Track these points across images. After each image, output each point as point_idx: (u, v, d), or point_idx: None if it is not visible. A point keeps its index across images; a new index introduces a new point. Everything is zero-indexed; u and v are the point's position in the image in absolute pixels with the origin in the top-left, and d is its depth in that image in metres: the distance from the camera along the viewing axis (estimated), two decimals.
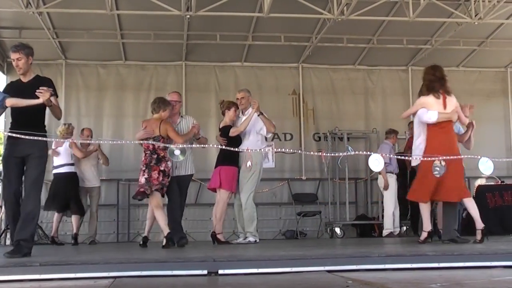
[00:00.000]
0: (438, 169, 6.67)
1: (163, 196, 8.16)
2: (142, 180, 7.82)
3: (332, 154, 6.16)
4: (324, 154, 6.17)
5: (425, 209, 7.53)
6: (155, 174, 7.80)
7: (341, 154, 6.11)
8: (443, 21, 11.29)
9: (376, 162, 5.84)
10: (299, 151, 12.17)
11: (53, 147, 10.21)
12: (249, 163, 8.67)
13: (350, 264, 4.64)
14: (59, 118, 6.66)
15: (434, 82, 7.45)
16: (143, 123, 8.38)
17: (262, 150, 9.02)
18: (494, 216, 11.21)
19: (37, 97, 5.99)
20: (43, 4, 9.92)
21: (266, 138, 9.29)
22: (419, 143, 7.54)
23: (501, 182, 12.52)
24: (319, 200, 12.72)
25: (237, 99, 9.14)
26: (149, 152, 7.90)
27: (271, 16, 9.99)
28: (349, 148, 6.23)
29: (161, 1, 9.57)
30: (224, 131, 8.97)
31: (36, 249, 8.51)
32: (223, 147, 7.79)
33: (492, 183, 12.30)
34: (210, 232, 9.13)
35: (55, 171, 10.53)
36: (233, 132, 8.83)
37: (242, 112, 9.13)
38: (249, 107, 8.96)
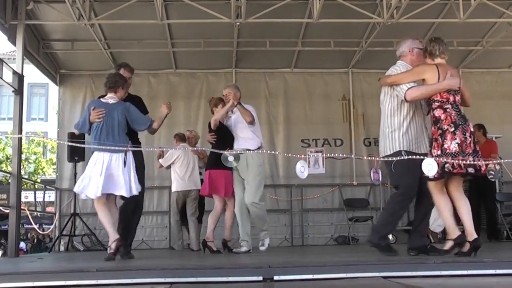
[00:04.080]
0: (493, 173, 6.45)
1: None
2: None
3: (385, 159, 6.08)
4: (377, 158, 6.08)
5: None
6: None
7: (394, 159, 6.02)
8: (494, 22, 11.09)
9: (430, 167, 5.73)
10: (350, 156, 12.09)
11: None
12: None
13: (406, 271, 4.59)
14: (152, 133, 7.54)
15: None
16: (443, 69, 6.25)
17: (257, 151, 8.14)
18: None
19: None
20: (94, 16, 10.05)
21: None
22: None
23: None
24: (371, 205, 12.61)
25: (223, 95, 8.51)
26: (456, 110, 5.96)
27: (320, 22, 9.94)
28: (403, 152, 6.13)
29: (211, 9, 9.63)
30: (211, 127, 8.43)
31: (92, 255, 8.72)
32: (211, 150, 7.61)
33: None
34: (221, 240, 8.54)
35: None
36: (213, 122, 8.30)
37: (231, 111, 8.50)
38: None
